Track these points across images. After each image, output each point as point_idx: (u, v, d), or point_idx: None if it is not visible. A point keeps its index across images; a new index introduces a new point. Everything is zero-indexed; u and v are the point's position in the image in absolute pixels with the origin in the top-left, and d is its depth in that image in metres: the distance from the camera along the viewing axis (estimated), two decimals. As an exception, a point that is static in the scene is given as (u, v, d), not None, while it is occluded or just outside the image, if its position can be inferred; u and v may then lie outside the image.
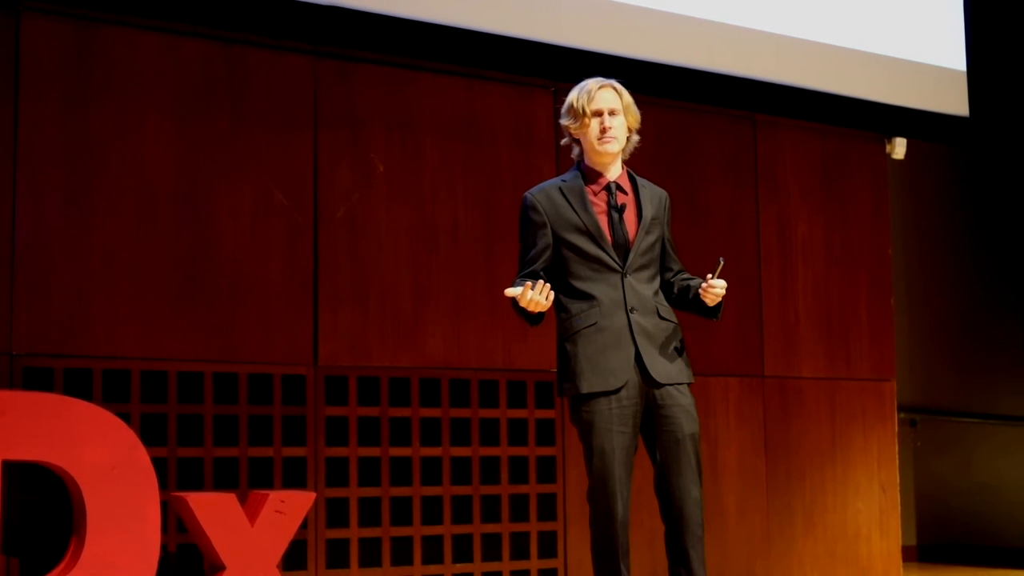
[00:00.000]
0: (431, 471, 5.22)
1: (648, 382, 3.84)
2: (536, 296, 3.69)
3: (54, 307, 4.54)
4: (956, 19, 6.81)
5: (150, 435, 4.61)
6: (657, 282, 3.96)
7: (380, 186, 5.21)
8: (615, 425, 3.79)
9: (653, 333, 3.87)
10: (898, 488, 6.54)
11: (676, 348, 3.92)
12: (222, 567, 4.35)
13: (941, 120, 6.70)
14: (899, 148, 6.70)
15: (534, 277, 3.84)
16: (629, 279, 3.87)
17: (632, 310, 3.83)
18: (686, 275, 4.04)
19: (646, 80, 5.79)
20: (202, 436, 4.77)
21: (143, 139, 4.76)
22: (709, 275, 3.84)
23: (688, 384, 3.92)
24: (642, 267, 3.91)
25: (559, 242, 3.89)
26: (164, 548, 4.60)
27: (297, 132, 5.06)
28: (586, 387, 3.81)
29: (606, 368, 3.81)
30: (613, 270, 3.87)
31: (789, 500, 6.16)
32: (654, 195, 4.01)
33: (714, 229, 6.04)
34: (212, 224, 4.86)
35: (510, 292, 3.74)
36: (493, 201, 5.45)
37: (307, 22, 5.00)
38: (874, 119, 6.51)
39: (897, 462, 6.55)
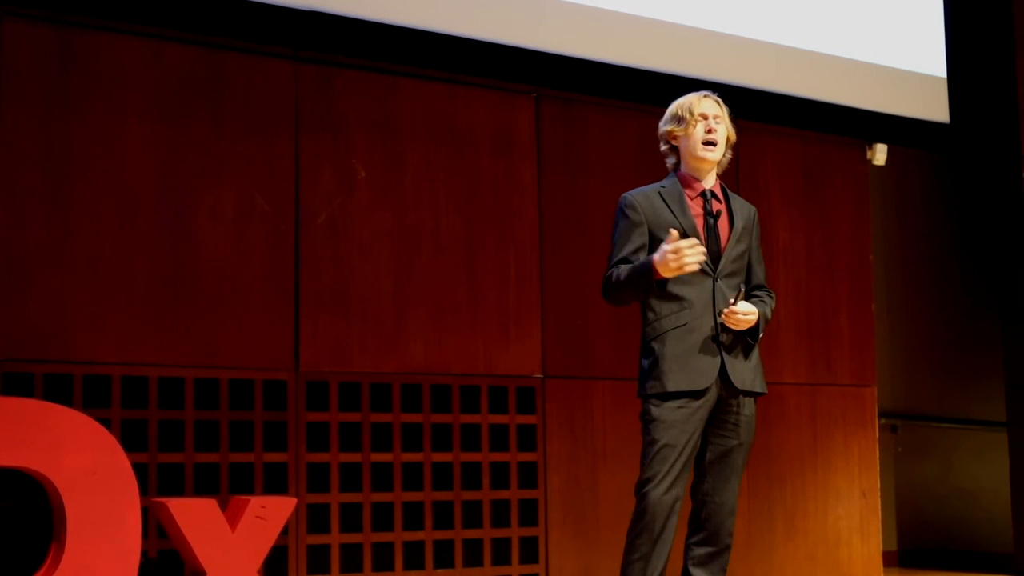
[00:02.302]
0: (412, 476, 5.21)
1: (727, 388, 3.87)
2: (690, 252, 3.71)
3: (34, 312, 4.53)
4: (936, 26, 6.84)
5: (131, 440, 4.61)
6: None
7: (361, 191, 5.21)
8: (687, 425, 3.81)
9: (738, 339, 3.90)
10: (878, 493, 6.55)
11: (755, 357, 3.95)
12: (203, 573, 4.34)
13: (922, 126, 6.72)
14: (880, 154, 6.72)
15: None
16: (719, 284, 3.90)
17: (721, 314, 3.85)
18: (759, 293, 4.04)
19: (628, 86, 5.80)
20: (183, 441, 4.76)
21: (124, 144, 4.75)
22: (731, 301, 3.85)
23: (759, 395, 3.95)
24: (731, 274, 3.94)
25: (655, 243, 3.88)
26: (145, 554, 4.58)
27: (278, 137, 5.06)
28: (672, 385, 3.81)
29: (694, 368, 3.82)
30: (706, 274, 3.89)
31: (770, 505, 6.17)
32: (745, 208, 4.06)
33: (695, 235, 6.05)
34: (193, 229, 4.85)
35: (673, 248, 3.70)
36: (474, 206, 5.45)
37: (288, 27, 4.99)
38: (855, 125, 6.53)
39: (877, 467, 6.57)
